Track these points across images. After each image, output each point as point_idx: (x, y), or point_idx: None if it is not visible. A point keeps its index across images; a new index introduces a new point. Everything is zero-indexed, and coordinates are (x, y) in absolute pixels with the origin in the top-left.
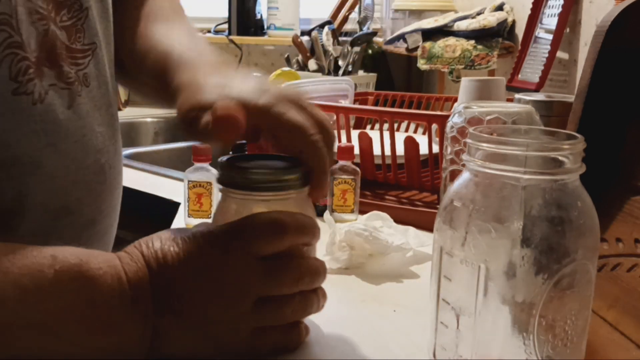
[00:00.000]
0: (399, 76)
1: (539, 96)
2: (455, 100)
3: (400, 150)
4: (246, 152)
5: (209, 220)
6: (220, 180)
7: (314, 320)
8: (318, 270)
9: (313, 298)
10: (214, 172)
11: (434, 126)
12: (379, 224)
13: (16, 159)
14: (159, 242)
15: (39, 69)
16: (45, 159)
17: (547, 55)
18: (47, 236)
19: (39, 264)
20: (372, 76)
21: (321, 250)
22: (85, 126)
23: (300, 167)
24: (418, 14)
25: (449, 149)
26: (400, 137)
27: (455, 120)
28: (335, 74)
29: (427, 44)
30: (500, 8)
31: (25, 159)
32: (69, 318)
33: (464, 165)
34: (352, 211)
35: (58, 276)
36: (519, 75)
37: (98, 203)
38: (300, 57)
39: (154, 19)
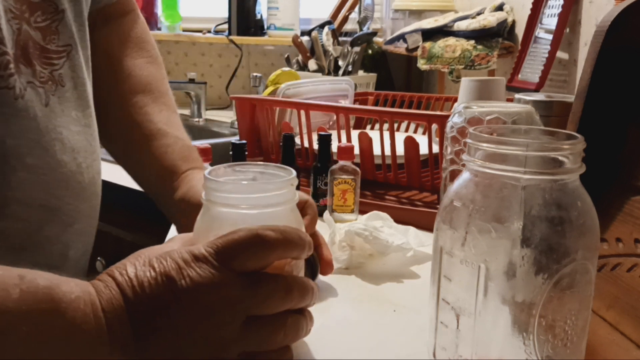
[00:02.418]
0: (399, 76)
1: (539, 96)
2: (455, 100)
3: (400, 150)
4: (246, 154)
5: None
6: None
7: (314, 320)
8: (306, 285)
9: (302, 321)
10: None
11: (434, 126)
12: (379, 224)
13: (2, 152)
14: (132, 268)
15: (17, 65)
16: (29, 154)
17: (547, 55)
18: (30, 234)
19: (3, 283)
20: (372, 76)
21: None
22: (61, 125)
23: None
24: (418, 14)
25: (449, 149)
26: (400, 137)
27: (455, 120)
28: (335, 74)
29: (427, 44)
30: (500, 8)
31: (11, 153)
32: (34, 342)
33: (464, 165)
34: (352, 211)
35: (24, 296)
36: (519, 75)
37: (78, 202)
38: (300, 57)
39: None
